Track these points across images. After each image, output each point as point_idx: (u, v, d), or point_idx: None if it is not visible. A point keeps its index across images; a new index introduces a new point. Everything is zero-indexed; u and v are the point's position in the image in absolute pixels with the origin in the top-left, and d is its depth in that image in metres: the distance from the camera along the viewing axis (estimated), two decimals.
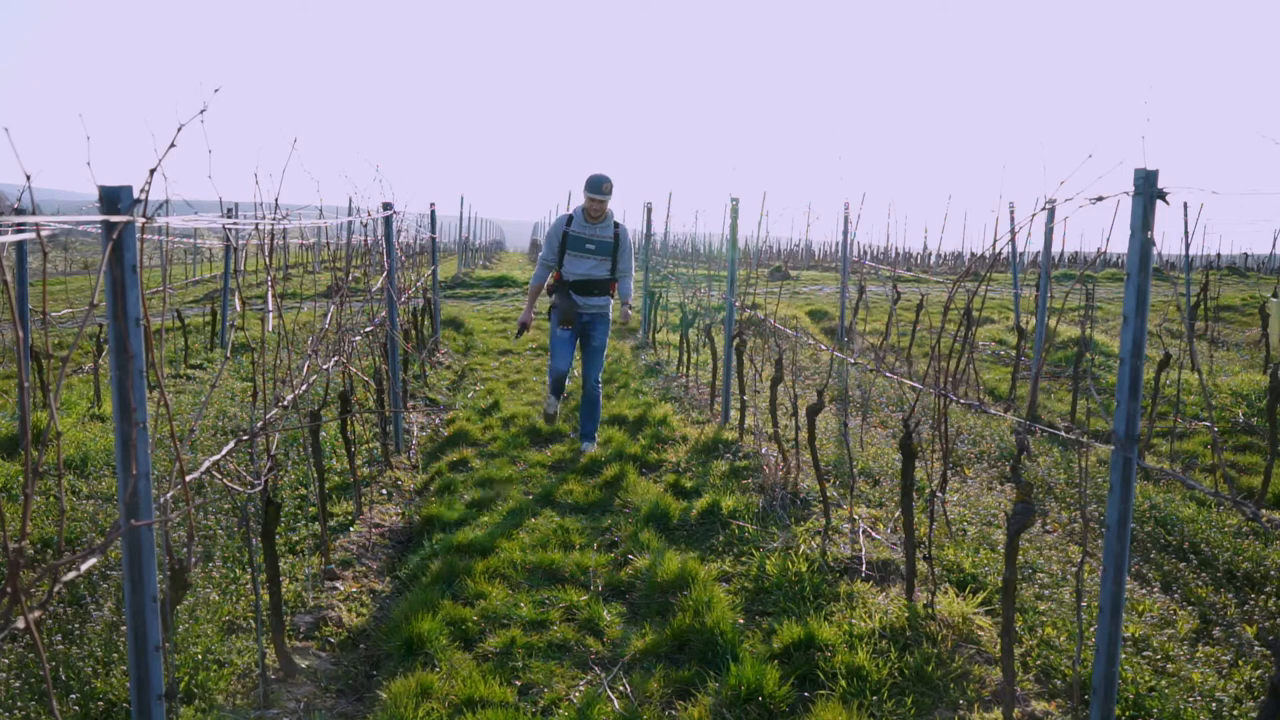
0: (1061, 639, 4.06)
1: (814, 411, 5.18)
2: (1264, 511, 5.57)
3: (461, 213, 30.53)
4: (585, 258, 6.98)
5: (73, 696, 3.34)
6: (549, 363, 7.38)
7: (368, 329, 6.79)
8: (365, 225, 7.85)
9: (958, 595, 4.39)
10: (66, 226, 2.34)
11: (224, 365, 3.61)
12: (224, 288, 13.36)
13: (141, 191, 2.27)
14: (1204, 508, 5.78)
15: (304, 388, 4.56)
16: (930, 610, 4.18)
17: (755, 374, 8.12)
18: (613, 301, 7.27)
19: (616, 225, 7.06)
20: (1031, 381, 8.25)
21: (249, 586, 4.29)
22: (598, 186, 6.83)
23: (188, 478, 2.71)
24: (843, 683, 3.70)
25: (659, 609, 4.52)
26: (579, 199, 7.05)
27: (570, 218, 7.02)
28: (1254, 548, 5.13)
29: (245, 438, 3.50)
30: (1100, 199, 2.89)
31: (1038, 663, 3.90)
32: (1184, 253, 14.29)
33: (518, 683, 3.87)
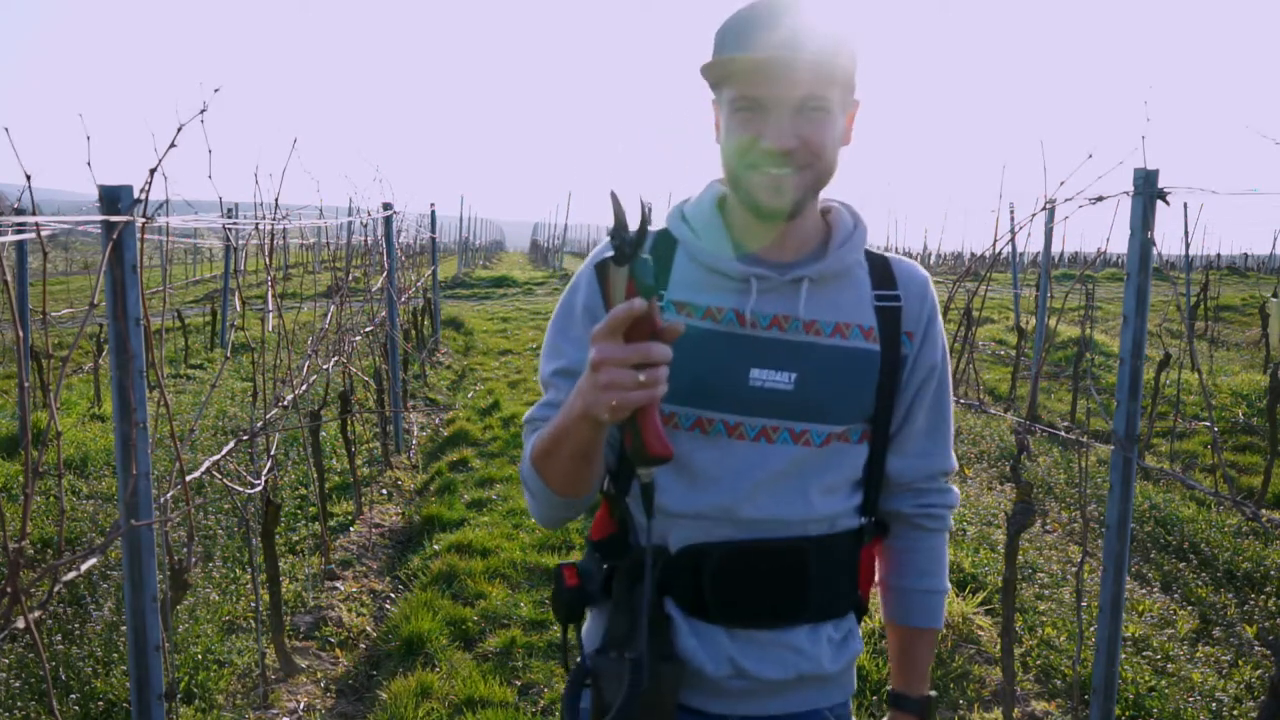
0: (1061, 639, 4.06)
1: None
2: (1264, 511, 5.57)
3: (461, 213, 30.54)
4: (752, 434, 1.37)
5: (73, 696, 3.33)
6: None
7: (368, 329, 6.79)
8: (365, 225, 7.85)
9: (958, 595, 4.39)
10: (66, 226, 2.34)
11: (224, 365, 3.61)
12: (224, 288, 13.36)
13: (141, 191, 2.27)
14: (1204, 508, 5.78)
15: (304, 388, 4.56)
16: None
17: None
18: (856, 655, 1.51)
19: (886, 261, 1.46)
20: (1031, 381, 8.25)
21: (249, 586, 4.29)
22: (773, 16, 1.29)
23: (188, 478, 2.71)
24: None
25: None
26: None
27: (651, 238, 1.41)
28: (1254, 548, 5.13)
29: (245, 438, 3.50)
30: (1100, 199, 2.89)
31: (1038, 663, 3.90)
32: (1184, 253, 14.30)
33: (518, 683, 3.87)
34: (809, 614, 1.42)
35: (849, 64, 1.33)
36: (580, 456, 1.27)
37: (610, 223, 1.13)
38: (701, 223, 1.42)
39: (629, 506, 1.42)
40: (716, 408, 1.36)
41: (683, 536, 1.38)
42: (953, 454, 1.52)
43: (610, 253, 1.14)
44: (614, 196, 1.12)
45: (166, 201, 2.62)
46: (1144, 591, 4.76)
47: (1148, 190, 2.61)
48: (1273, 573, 4.84)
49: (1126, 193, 2.67)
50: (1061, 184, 3.25)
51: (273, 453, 3.82)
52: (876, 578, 1.57)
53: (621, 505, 1.42)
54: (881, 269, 1.45)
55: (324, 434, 6.06)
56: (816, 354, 1.38)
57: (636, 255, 1.11)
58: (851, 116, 1.39)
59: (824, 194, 1.41)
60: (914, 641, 1.55)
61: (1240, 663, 3.94)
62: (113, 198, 2.20)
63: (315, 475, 4.87)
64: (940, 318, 1.49)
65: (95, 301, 2.19)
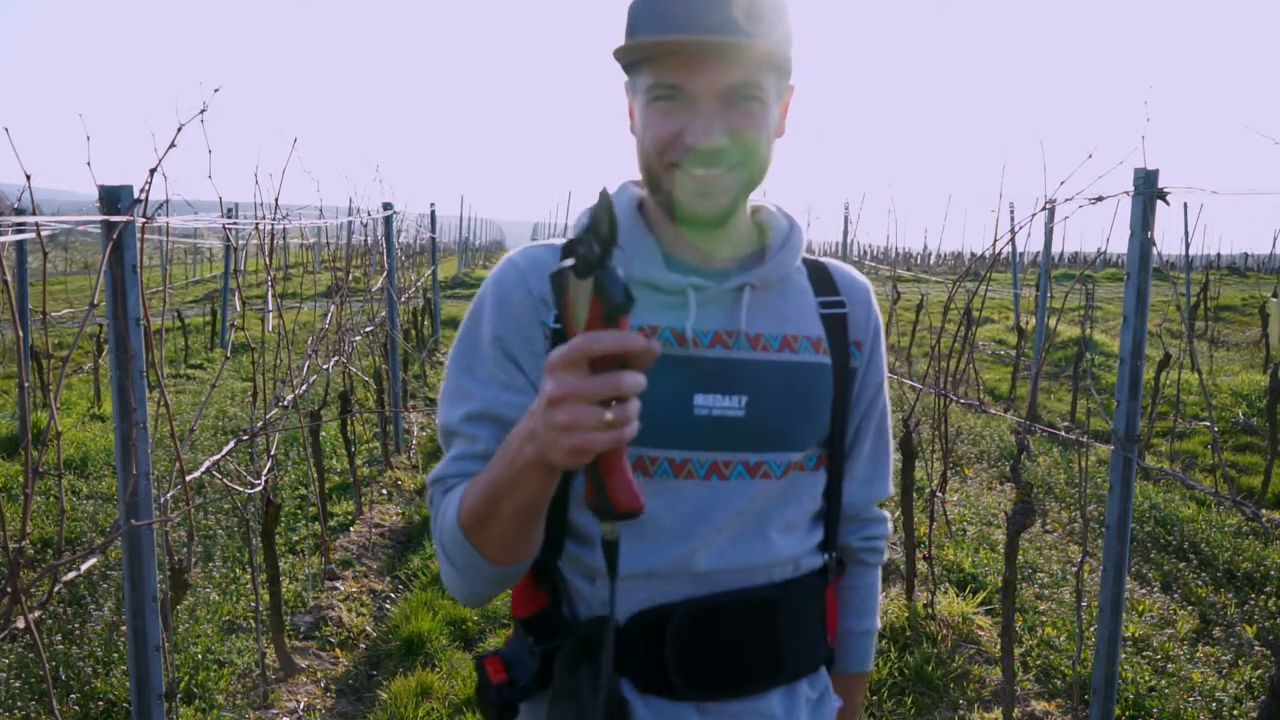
0: (1061, 639, 4.06)
1: None
2: (1264, 511, 5.57)
3: (461, 213, 30.53)
4: (701, 471, 1.19)
5: (73, 696, 3.34)
6: None
7: (368, 329, 6.79)
8: (365, 225, 7.85)
9: (958, 595, 4.39)
10: (66, 226, 2.35)
11: (224, 365, 3.61)
12: (224, 288, 13.36)
13: (141, 191, 2.27)
14: (1204, 508, 5.78)
15: (304, 388, 4.56)
16: (930, 610, 4.18)
17: None
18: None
19: (824, 266, 1.32)
20: (1031, 381, 8.25)
21: (249, 586, 4.29)
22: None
23: (188, 478, 2.71)
24: None
25: None
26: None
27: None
28: (1254, 548, 5.13)
29: (245, 438, 3.50)
30: (1100, 199, 2.89)
31: (1038, 663, 3.90)
32: (1184, 253, 14.30)
33: None
34: (784, 674, 1.23)
35: (784, 44, 1.13)
36: (527, 513, 1.03)
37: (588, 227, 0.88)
38: (621, 231, 1.19)
39: (562, 571, 1.20)
40: (658, 444, 1.16)
41: (635, 601, 1.17)
42: (891, 479, 1.38)
43: (570, 261, 0.90)
44: (604, 195, 0.86)
45: (166, 201, 2.62)
46: (1144, 591, 4.76)
47: (1148, 190, 2.61)
48: (1273, 573, 4.84)
49: (1126, 193, 2.67)
50: (1061, 184, 3.25)
51: (273, 453, 3.83)
52: None
53: (552, 572, 1.20)
54: (821, 274, 1.30)
55: (324, 434, 6.06)
56: (766, 372, 1.20)
57: (604, 265, 0.87)
58: (786, 105, 1.20)
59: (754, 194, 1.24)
60: (851, 688, 1.39)
61: (1240, 663, 3.94)
62: (113, 198, 2.20)
63: (315, 475, 4.87)
64: (884, 334, 1.34)
65: (95, 301, 2.19)
